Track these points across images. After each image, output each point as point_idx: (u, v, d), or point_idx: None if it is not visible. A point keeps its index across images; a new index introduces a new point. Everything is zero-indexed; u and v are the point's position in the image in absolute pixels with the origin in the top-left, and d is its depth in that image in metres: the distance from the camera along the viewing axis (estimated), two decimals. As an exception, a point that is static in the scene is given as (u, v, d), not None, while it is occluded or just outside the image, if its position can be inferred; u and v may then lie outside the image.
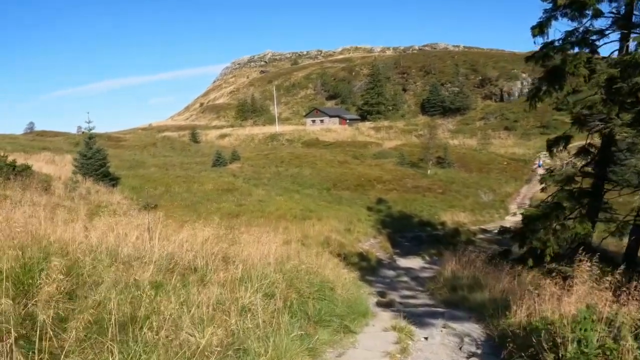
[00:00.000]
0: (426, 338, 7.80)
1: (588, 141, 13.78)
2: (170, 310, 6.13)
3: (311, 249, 18.63)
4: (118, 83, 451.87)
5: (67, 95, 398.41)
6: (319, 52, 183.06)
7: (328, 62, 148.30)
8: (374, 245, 24.13)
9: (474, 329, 8.20)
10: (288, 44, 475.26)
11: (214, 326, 5.88)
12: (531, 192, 44.14)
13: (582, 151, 13.65)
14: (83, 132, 62.86)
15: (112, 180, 32.43)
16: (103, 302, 5.99)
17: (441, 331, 8.19)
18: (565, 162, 13.59)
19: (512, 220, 34.52)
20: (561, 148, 13.58)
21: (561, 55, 13.35)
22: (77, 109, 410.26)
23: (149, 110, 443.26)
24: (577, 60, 12.56)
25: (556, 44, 14.01)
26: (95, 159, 31.66)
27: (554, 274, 13.28)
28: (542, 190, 14.08)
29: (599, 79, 11.98)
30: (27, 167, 25.11)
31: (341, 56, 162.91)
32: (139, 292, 6.61)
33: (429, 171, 49.12)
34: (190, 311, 6.17)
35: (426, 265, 20.25)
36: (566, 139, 13.54)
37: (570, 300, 6.72)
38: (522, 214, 14.13)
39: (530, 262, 13.77)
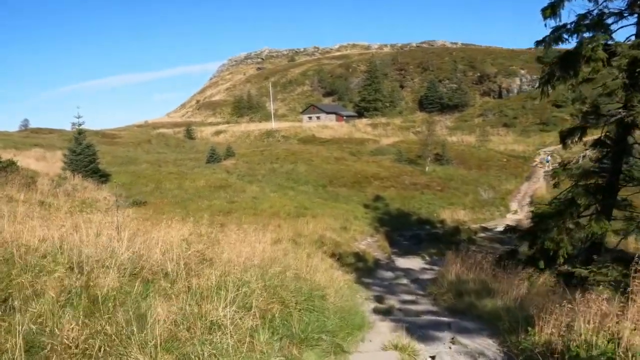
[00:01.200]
0: (433, 358, 6.62)
1: (604, 133, 12.58)
2: (117, 329, 4.96)
3: (304, 248, 17.43)
4: (117, 80, 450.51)
5: (65, 93, 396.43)
6: (316, 49, 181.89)
7: (325, 58, 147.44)
8: (371, 244, 22.98)
9: (489, 346, 6.99)
10: (285, 41, 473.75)
11: (169, 351, 4.73)
12: (532, 190, 43.16)
13: (598, 143, 12.46)
14: (85, 130, 62.96)
15: (102, 176, 31.90)
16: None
17: (450, 348, 6.99)
18: (582, 154, 12.35)
19: (514, 218, 33.55)
20: (576, 139, 12.40)
21: (577, 37, 12.17)
22: (75, 106, 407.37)
23: (148, 108, 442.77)
24: (595, 42, 11.38)
25: (568, 26, 12.82)
26: (84, 155, 31.24)
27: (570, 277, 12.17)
28: (555, 186, 12.90)
29: (621, 62, 10.82)
30: (11, 163, 24.11)
31: (338, 53, 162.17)
32: (82, 305, 5.46)
33: (427, 168, 48.09)
34: (143, 330, 4.97)
35: (426, 266, 19.07)
36: (582, 130, 12.34)
37: (624, 319, 5.41)
38: (532, 211, 12.95)
39: (541, 263, 12.62)
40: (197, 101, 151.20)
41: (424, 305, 11.64)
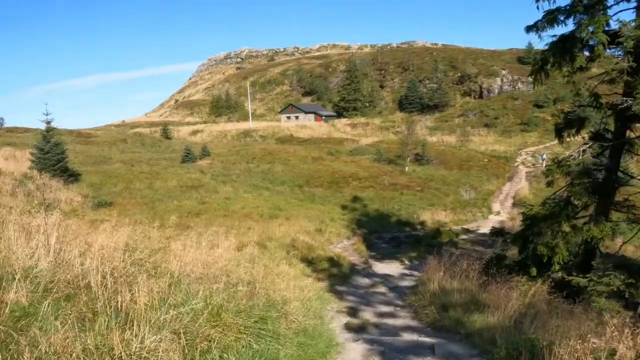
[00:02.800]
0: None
1: (603, 125, 11.28)
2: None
3: (272, 253, 16.04)
4: (98, 79, 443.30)
5: (45, 91, 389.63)
6: (296, 49, 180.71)
7: (305, 58, 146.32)
8: (348, 247, 21.55)
9: (484, 383, 5.57)
10: (265, 42, 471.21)
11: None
12: (514, 190, 42.28)
13: (597, 137, 11.15)
14: (54, 128, 61.55)
15: (71, 176, 30.79)
16: None
17: (434, 383, 5.59)
18: (580, 149, 11.04)
19: (497, 219, 32.50)
20: (573, 133, 11.10)
21: (573, 20, 10.85)
22: (56, 105, 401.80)
23: (131, 108, 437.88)
24: (595, 23, 10.09)
25: (564, 8, 11.51)
26: (52, 154, 29.91)
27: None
28: (549, 184, 11.56)
29: (627, 43, 9.53)
30: (-27, 162, 22.62)
31: (318, 53, 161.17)
32: None
33: (406, 168, 47.01)
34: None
35: (406, 272, 17.65)
36: (580, 122, 11.01)
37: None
38: (523, 213, 11.58)
39: (533, 271, 11.30)
40: (176, 101, 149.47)
41: (404, 319, 10.24)
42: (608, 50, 10.70)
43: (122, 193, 30.18)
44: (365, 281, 15.46)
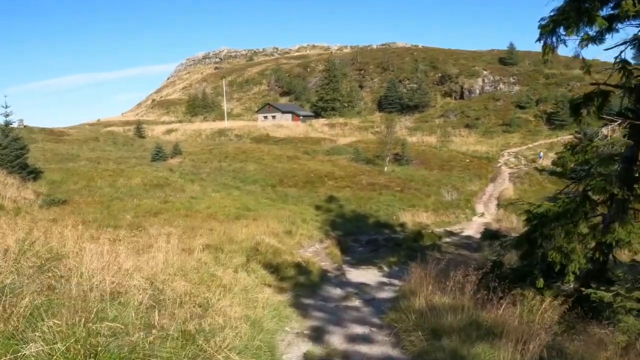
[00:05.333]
0: None
1: (631, 101, 9.08)
2: None
3: (230, 258, 13.67)
4: (78, 79, 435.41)
5: (24, 91, 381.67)
6: (275, 50, 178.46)
7: (284, 58, 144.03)
8: (320, 251, 19.26)
9: None
10: (245, 43, 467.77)
11: None
12: (498, 191, 40.53)
13: (621, 115, 8.95)
14: (25, 126, 59.87)
15: (31, 173, 29.45)
16: None
17: None
18: (610, 127, 8.83)
19: (481, 221, 30.67)
20: (594, 110, 8.92)
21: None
22: (36, 105, 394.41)
23: (111, 108, 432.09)
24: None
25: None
26: (10, 149, 28.50)
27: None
28: (561, 175, 9.41)
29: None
30: None
31: (298, 53, 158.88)
32: None
33: (385, 168, 45.12)
34: None
35: (384, 280, 15.34)
36: (603, 96, 8.81)
37: None
38: (529, 211, 9.28)
39: (540, 282, 9.12)
40: (153, 100, 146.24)
41: (381, 345, 7.95)
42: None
43: (81, 191, 28.49)
44: (337, 292, 13.14)
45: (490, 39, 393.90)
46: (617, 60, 8.46)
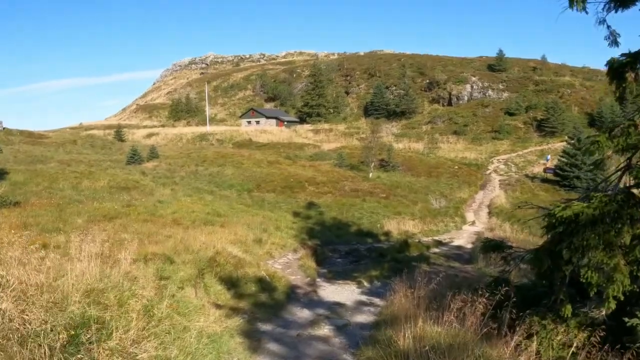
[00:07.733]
0: None
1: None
2: None
3: (177, 271, 11.18)
4: (66, 83, 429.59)
5: (12, 94, 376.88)
6: (262, 56, 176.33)
7: (270, 64, 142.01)
8: (292, 262, 16.81)
9: None
10: (231, 49, 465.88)
11: None
12: (488, 199, 38.39)
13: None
14: (4, 129, 57.82)
15: None
16: None
17: None
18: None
19: (472, 230, 28.50)
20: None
21: None
22: (20, 108, 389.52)
23: (98, 112, 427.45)
24: None
25: None
26: None
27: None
28: (596, 166, 7.02)
29: None
30: None
31: (284, 59, 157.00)
32: None
33: (370, 174, 42.96)
34: None
35: (363, 298, 12.83)
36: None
37: None
38: (551, 214, 6.81)
39: (567, 309, 6.75)
40: (137, 105, 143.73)
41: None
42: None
43: (41, 193, 26.54)
44: (304, 314, 10.67)
45: (479, 46, 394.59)
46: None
